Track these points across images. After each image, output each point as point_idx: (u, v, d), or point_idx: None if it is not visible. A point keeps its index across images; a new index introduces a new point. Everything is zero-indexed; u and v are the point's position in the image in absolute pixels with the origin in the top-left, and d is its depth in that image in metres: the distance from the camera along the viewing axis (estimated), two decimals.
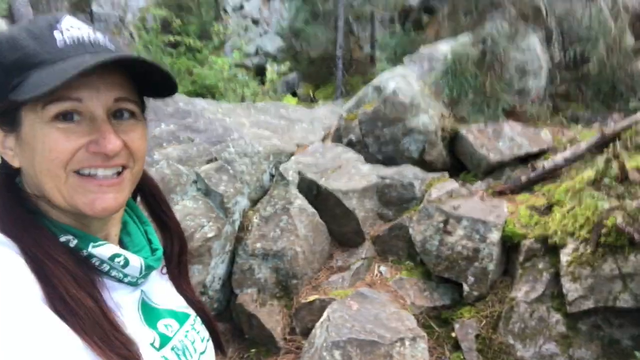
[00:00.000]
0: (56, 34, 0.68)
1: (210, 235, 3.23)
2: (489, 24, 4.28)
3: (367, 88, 4.27)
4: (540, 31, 4.25)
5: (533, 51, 4.10)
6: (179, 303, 0.88)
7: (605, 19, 3.75)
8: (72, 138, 0.67)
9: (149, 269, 0.79)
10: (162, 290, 0.86)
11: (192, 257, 3.20)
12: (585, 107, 3.99)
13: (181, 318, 0.85)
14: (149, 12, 13.33)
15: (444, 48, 4.25)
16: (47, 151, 0.66)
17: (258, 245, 3.42)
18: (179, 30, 11.92)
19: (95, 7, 14.88)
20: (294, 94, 11.10)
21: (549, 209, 2.93)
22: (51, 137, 0.66)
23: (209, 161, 3.50)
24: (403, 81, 4.04)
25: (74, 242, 0.70)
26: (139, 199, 0.93)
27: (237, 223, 3.50)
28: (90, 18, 14.92)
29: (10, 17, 12.29)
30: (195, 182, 3.38)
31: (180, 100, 3.76)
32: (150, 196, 0.92)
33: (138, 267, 0.76)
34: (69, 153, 0.66)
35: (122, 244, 0.82)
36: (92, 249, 0.71)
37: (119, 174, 0.72)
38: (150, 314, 0.79)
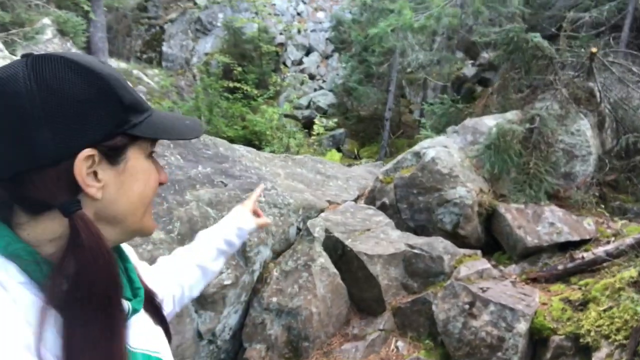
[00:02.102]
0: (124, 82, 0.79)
1: (227, 282, 3.18)
2: (539, 104, 4.19)
3: (407, 153, 4.22)
4: (592, 116, 4.12)
5: (583, 135, 3.96)
6: (154, 346, 0.87)
7: None
8: (156, 171, 0.82)
9: (134, 312, 0.80)
10: (137, 328, 0.84)
11: (206, 303, 3.15)
12: (635, 200, 3.76)
13: None
14: (214, 57, 14.07)
15: (490, 122, 4.18)
16: (149, 181, 0.79)
17: (274, 299, 3.33)
18: (239, 78, 12.49)
19: (165, 48, 15.85)
20: (339, 150, 11.22)
21: (584, 305, 2.71)
22: (151, 169, 0.80)
23: None
24: (443, 151, 3.97)
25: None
26: None
27: (257, 274, 3.44)
28: (159, 57, 15.90)
29: (88, 49, 13.25)
30: None
31: (221, 145, 3.83)
32: None
33: (126, 311, 0.77)
34: (157, 182, 0.82)
35: None
36: None
37: None
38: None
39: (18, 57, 0.71)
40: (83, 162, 0.69)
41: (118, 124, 0.73)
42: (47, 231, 0.71)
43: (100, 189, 0.72)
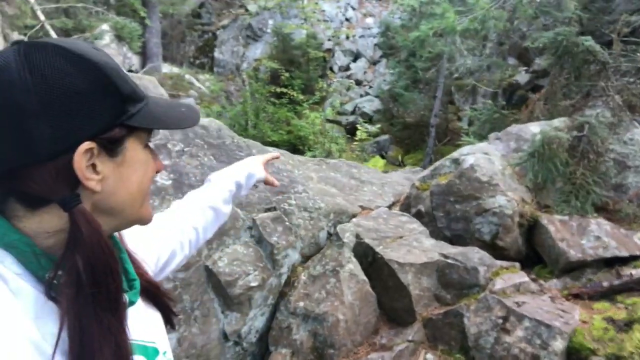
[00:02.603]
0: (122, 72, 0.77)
1: (253, 284, 3.17)
2: (589, 111, 3.95)
3: (445, 160, 4.09)
4: None
5: (637, 145, 3.70)
6: (149, 335, 0.86)
7: None
8: (154, 162, 0.82)
9: (130, 304, 0.79)
10: (132, 318, 0.82)
11: (232, 304, 3.15)
12: None
13: (151, 354, 0.84)
14: (262, 63, 14.31)
15: (535, 129, 3.97)
16: (147, 171, 0.79)
17: (301, 304, 3.29)
18: (286, 83, 12.64)
19: (217, 54, 16.28)
20: (383, 156, 11.08)
21: (628, 325, 2.50)
22: (148, 158, 0.79)
23: (268, 210, 3.49)
24: (484, 158, 3.81)
25: None
26: None
27: (284, 277, 3.41)
28: (211, 63, 16.35)
29: (143, 54, 13.79)
30: (250, 228, 3.37)
31: (254, 147, 3.85)
32: None
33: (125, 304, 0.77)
34: (155, 171, 0.82)
35: None
36: None
37: None
38: None
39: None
40: (82, 156, 0.67)
41: (116, 114, 0.71)
42: (45, 224, 0.69)
43: (99, 181, 0.71)
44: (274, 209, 3.51)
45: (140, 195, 0.78)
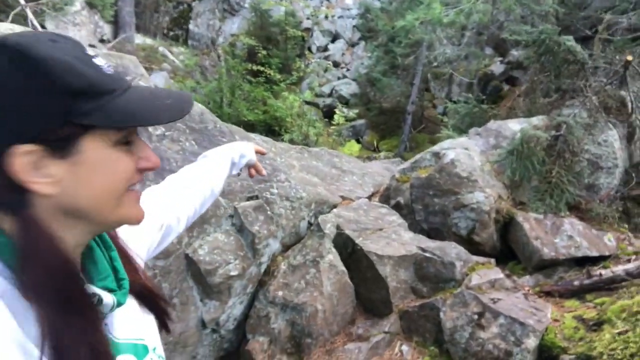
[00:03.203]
0: (96, 60, 0.70)
1: (233, 273, 3.16)
2: (567, 110, 4.04)
3: (426, 153, 4.13)
4: (622, 127, 3.96)
5: (610, 146, 3.81)
6: (138, 333, 0.84)
7: None
8: (131, 158, 0.73)
9: (118, 306, 0.77)
10: (121, 318, 0.82)
11: (211, 292, 3.14)
12: None
13: (141, 352, 0.83)
14: (239, 39, 14.01)
15: (515, 127, 4.05)
16: (115, 172, 0.71)
17: (280, 293, 3.30)
18: (263, 61, 12.41)
19: (192, 26, 15.82)
20: (358, 141, 11.10)
21: (598, 325, 2.61)
22: (116, 157, 0.71)
23: (250, 198, 3.46)
24: (464, 153, 3.87)
25: None
26: None
27: (264, 266, 3.41)
28: (186, 35, 15.90)
29: (115, 23, 13.29)
30: (231, 216, 3.34)
31: (237, 132, 3.79)
32: None
33: (110, 304, 0.75)
34: (131, 172, 0.73)
35: (85, 271, 0.78)
36: None
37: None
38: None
39: (47, 28, 0.64)
40: (21, 158, 0.63)
41: (63, 112, 0.65)
42: (6, 225, 0.67)
43: (51, 184, 0.66)
44: (256, 197, 3.48)
45: (109, 197, 0.72)
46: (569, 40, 4.06)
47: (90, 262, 0.79)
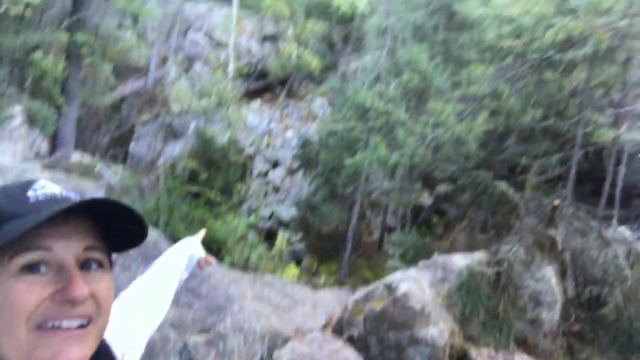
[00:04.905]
0: (29, 192, 0.67)
1: None
2: (505, 247, 4.35)
3: (378, 284, 4.20)
4: (556, 264, 4.29)
5: (548, 282, 4.08)
6: None
7: (622, 266, 3.79)
8: (36, 290, 0.62)
9: None
10: None
11: None
12: (600, 353, 3.80)
13: None
14: (181, 161, 14.19)
15: (460, 261, 4.26)
16: (8, 306, 0.61)
17: None
18: (204, 184, 12.51)
19: (132, 147, 15.92)
20: (298, 263, 11.06)
21: None
22: (13, 290, 0.61)
23: (202, 331, 3.28)
24: (416, 285, 3.97)
25: None
26: None
27: None
28: (125, 155, 15.89)
29: (55, 139, 13.09)
30: (180, 353, 3.12)
31: None
32: None
33: None
34: (32, 306, 0.61)
35: None
36: None
37: (83, 327, 0.65)
38: None
39: None
40: None
41: None
42: None
43: None
44: (209, 330, 3.30)
45: (12, 337, 0.62)
46: (502, 185, 4.51)
47: None
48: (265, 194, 14.32)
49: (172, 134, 16.00)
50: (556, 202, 4.18)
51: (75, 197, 0.70)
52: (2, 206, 0.64)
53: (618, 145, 8.21)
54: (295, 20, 16.32)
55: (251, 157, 15.38)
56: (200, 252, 1.38)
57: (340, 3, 14.83)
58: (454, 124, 4.97)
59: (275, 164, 15.84)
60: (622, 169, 8.05)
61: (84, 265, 0.67)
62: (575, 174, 7.42)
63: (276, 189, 14.78)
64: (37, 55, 10.12)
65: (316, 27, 15.19)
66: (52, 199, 0.67)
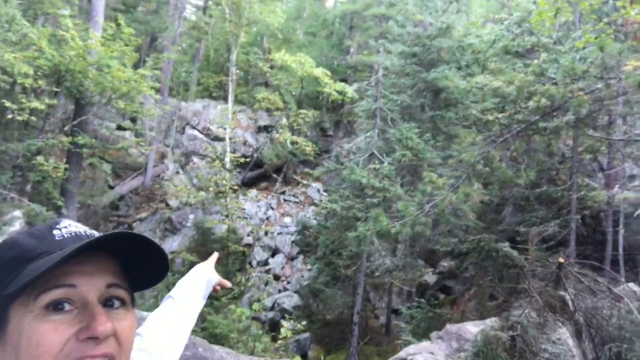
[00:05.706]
0: (55, 230, 0.70)
1: None
2: (516, 311, 4.29)
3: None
4: (569, 324, 4.21)
5: (565, 344, 3.98)
6: None
7: (638, 321, 3.73)
8: (61, 329, 0.62)
9: None
10: None
11: None
12: None
13: None
14: (180, 255, 14.08)
15: (473, 329, 4.17)
16: (34, 347, 0.61)
17: None
18: None
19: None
20: (304, 356, 10.60)
21: None
22: (39, 331, 0.62)
23: None
24: (431, 358, 3.85)
25: None
26: None
27: None
28: None
29: None
30: None
31: (200, 345, 3.61)
32: None
33: None
34: (58, 346, 0.62)
35: None
36: None
37: None
38: None
39: None
40: None
41: None
42: None
43: None
44: None
45: None
46: (505, 247, 4.54)
47: None
48: (266, 283, 14.08)
49: (171, 229, 16.04)
50: (561, 258, 4.19)
51: (98, 236, 0.75)
52: (30, 245, 0.68)
53: (613, 207, 8.35)
54: (287, 112, 17.10)
55: (250, 246, 15.33)
56: (215, 277, 1.41)
57: (329, 92, 15.66)
58: (450, 193, 5.10)
59: (274, 252, 15.76)
60: (621, 230, 8.12)
61: (107, 302, 0.70)
62: (575, 238, 7.46)
63: (276, 277, 14.56)
64: (39, 159, 10.42)
65: (308, 114, 15.89)
66: (77, 237, 0.71)
